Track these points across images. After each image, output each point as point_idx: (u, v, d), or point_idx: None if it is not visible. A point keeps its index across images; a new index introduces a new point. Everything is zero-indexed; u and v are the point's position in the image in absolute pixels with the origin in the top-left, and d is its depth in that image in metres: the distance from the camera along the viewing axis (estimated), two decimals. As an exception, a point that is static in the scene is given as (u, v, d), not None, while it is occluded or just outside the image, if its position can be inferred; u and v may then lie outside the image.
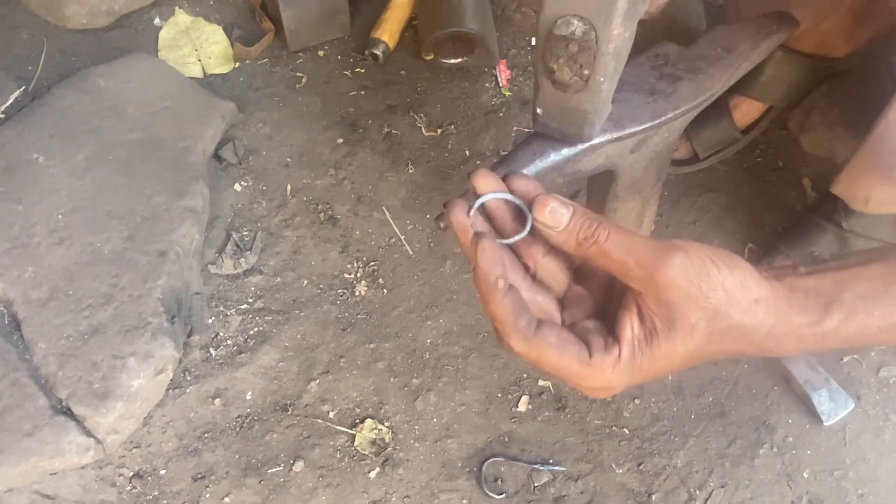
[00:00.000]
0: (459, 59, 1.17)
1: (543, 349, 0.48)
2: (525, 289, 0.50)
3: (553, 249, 0.51)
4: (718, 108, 1.07)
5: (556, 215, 0.48)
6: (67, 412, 0.85)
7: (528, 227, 0.49)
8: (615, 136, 0.65)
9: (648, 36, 1.19)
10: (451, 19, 1.12)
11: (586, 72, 0.56)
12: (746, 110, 1.09)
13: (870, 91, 1.06)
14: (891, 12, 0.93)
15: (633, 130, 0.66)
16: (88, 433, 0.85)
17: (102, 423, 0.85)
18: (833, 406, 0.94)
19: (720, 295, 0.47)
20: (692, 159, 1.10)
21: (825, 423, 0.94)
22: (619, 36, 0.54)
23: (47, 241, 0.93)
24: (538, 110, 0.62)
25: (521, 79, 1.19)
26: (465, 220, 0.49)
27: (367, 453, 0.93)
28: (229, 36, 1.19)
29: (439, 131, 1.14)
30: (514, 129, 1.15)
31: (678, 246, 0.47)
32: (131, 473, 0.90)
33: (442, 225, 0.66)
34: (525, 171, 0.64)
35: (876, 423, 0.95)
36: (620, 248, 0.47)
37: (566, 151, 0.64)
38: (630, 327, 0.49)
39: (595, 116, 0.61)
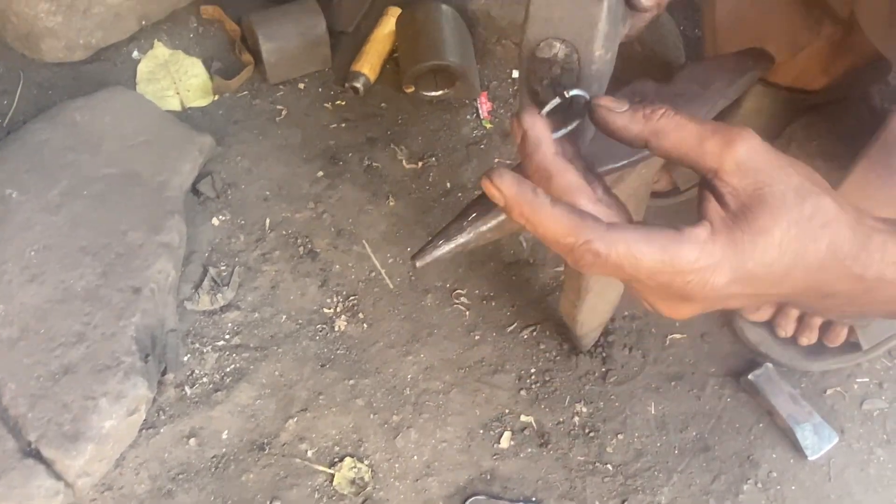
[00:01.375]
0: (440, 92, 1.17)
1: (627, 235, 0.44)
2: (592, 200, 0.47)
3: (603, 197, 0.48)
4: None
5: (616, 102, 0.48)
6: (36, 455, 0.83)
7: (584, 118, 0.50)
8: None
9: (627, 69, 1.20)
10: (432, 52, 1.13)
11: (569, 94, 0.55)
12: (726, 143, 1.09)
13: (848, 123, 1.07)
14: (866, 45, 0.94)
15: (609, 167, 0.65)
16: (58, 476, 0.83)
17: (73, 466, 0.83)
18: (817, 440, 0.94)
19: (799, 169, 0.45)
20: (673, 191, 1.10)
21: (809, 458, 0.93)
22: (600, 58, 0.54)
23: (19, 279, 0.91)
24: None
25: (501, 111, 1.19)
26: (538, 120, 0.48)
27: (346, 493, 0.91)
28: (209, 69, 1.18)
29: (420, 164, 1.14)
30: (496, 160, 1.15)
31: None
32: (103, 517, 0.88)
33: (418, 264, 0.65)
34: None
35: (860, 457, 0.95)
36: (688, 117, 0.45)
37: None
38: (714, 210, 0.45)
39: (579, 139, 0.60)
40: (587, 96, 0.51)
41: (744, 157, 0.44)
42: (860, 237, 0.46)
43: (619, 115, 0.48)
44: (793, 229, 0.44)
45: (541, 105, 0.56)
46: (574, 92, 0.51)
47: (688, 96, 0.70)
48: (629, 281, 0.48)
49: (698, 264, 0.44)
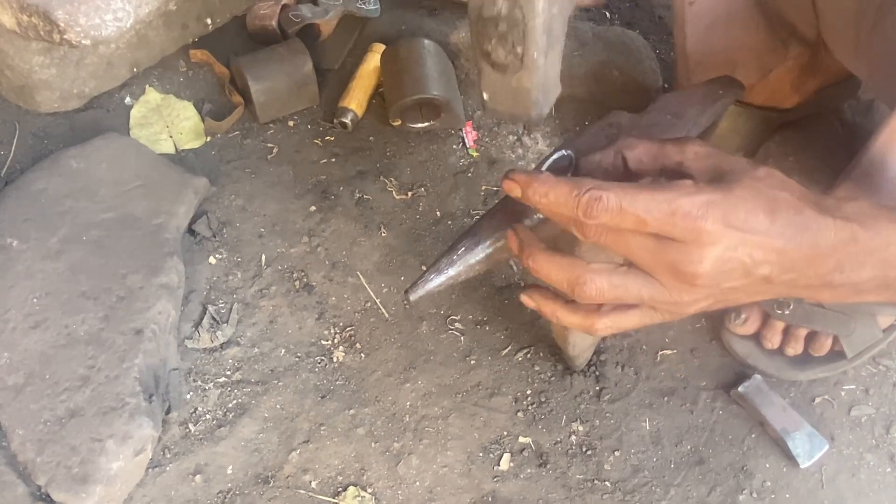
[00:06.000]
0: (426, 124, 1.21)
1: (621, 184, 0.52)
2: None
3: None
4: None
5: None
6: (47, 499, 0.85)
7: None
8: None
9: (605, 93, 1.24)
10: (416, 86, 1.16)
11: (519, 49, 0.57)
12: (705, 161, 1.12)
13: (822, 139, 1.11)
14: (835, 64, 0.97)
15: None
16: (68, 519, 0.85)
17: (82, 508, 0.84)
18: (808, 448, 0.96)
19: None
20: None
21: (802, 466, 0.96)
22: (544, 10, 0.55)
23: (22, 326, 0.93)
24: (484, 95, 0.63)
25: (487, 139, 1.23)
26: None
27: (350, 522, 0.92)
28: (200, 111, 1.21)
29: (410, 194, 1.17)
30: (483, 188, 1.18)
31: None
32: (113, 557, 0.89)
33: (411, 298, 0.68)
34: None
35: (851, 463, 0.97)
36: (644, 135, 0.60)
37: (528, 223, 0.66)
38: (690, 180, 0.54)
39: (539, 94, 0.61)
40: (573, 155, 0.61)
41: (698, 147, 0.55)
42: (811, 192, 0.54)
43: (595, 154, 0.58)
44: (757, 183, 0.52)
45: (495, 65, 0.59)
46: (561, 152, 0.61)
47: (661, 126, 0.73)
48: (631, 246, 0.54)
49: (687, 205, 0.51)
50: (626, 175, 0.61)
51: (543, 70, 0.59)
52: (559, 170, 0.62)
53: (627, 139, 0.60)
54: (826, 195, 0.55)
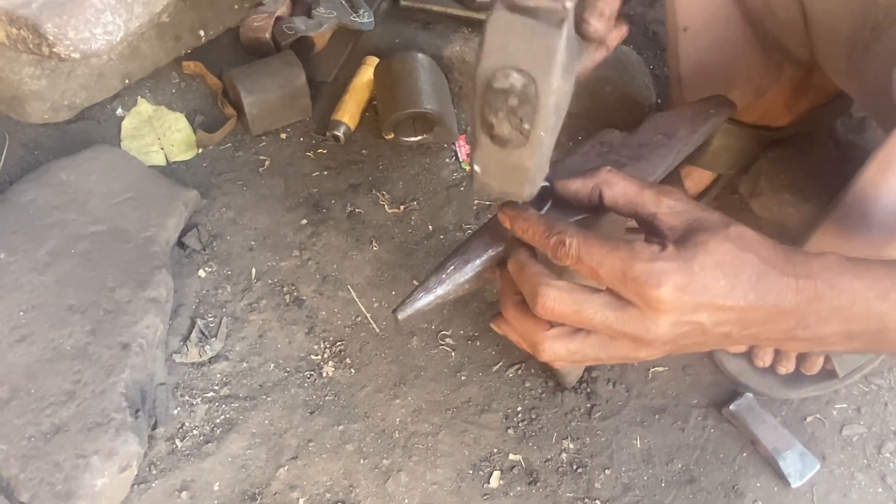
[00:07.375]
0: (419, 137, 1.20)
1: (588, 233, 0.54)
2: None
3: None
4: (671, 178, 1.10)
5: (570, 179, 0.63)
6: (29, 516, 0.84)
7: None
8: None
9: (598, 109, 1.24)
10: (410, 100, 1.16)
11: (526, 126, 0.54)
12: (697, 178, 1.12)
13: (815, 156, 1.11)
14: (827, 82, 0.97)
15: (578, 218, 0.68)
16: (51, 536, 0.83)
17: (66, 525, 0.83)
18: (799, 467, 0.95)
19: (716, 211, 0.56)
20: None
21: (793, 485, 0.95)
22: (559, 89, 0.53)
23: (8, 339, 0.92)
24: (476, 168, 0.60)
25: (479, 153, 1.22)
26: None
27: (338, 540, 0.91)
28: (192, 123, 1.21)
29: (402, 208, 1.16)
30: (475, 202, 1.18)
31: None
32: (96, 575, 0.88)
33: (400, 316, 0.67)
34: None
35: (842, 483, 0.97)
36: (628, 174, 0.59)
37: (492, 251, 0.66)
38: (658, 243, 0.53)
39: (535, 173, 0.59)
40: (549, 185, 0.62)
41: (673, 202, 0.55)
42: (780, 251, 0.54)
43: (574, 181, 0.60)
44: (725, 243, 0.52)
45: (495, 138, 0.56)
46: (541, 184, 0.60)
47: (652, 145, 0.73)
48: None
49: (639, 269, 0.52)
50: (600, 210, 0.61)
51: (546, 149, 0.57)
52: (539, 197, 0.61)
53: (608, 175, 0.59)
54: (795, 251, 0.55)
